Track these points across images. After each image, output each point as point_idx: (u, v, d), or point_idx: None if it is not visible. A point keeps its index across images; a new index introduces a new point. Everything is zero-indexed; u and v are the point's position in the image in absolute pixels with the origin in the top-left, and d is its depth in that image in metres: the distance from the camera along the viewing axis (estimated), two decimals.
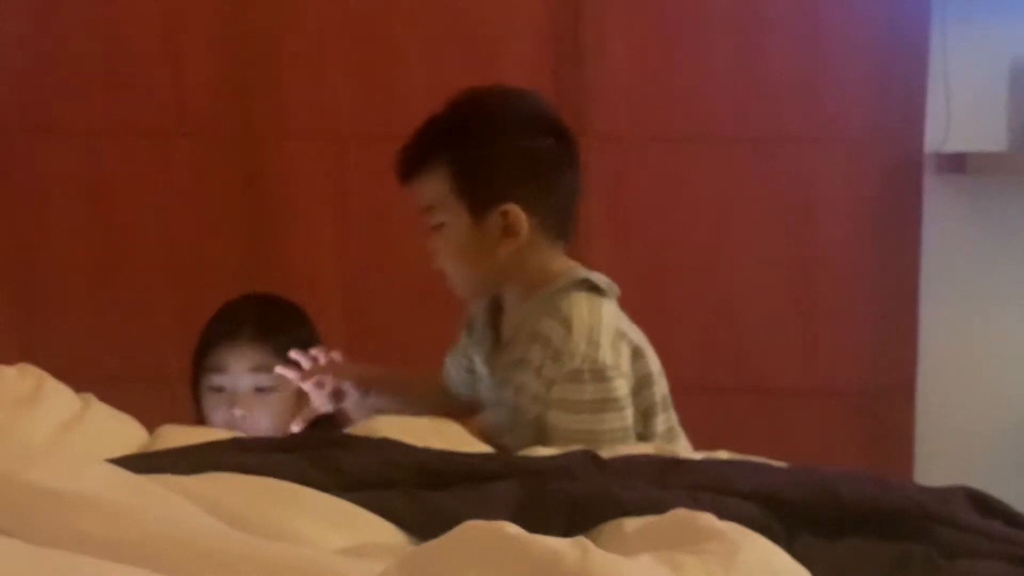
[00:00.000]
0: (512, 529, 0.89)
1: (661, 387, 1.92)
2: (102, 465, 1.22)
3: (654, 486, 1.35)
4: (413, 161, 1.91)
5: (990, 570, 1.25)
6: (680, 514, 1.08)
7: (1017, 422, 2.99)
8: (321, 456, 1.37)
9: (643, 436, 1.87)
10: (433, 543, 0.91)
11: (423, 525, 1.24)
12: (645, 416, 1.88)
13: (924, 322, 2.94)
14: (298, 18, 2.95)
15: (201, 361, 2.13)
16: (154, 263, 3.03)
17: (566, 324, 1.82)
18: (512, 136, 1.90)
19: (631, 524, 1.22)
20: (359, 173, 2.97)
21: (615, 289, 1.92)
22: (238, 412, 2.07)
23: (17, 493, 1.06)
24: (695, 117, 2.93)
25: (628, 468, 1.46)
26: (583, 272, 1.90)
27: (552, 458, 1.50)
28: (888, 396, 2.94)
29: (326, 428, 2.08)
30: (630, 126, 2.89)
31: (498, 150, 1.89)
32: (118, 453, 1.41)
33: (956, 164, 2.91)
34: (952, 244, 2.98)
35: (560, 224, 1.93)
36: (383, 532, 1.25)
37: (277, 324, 2.16)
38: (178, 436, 1.58)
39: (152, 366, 2.87)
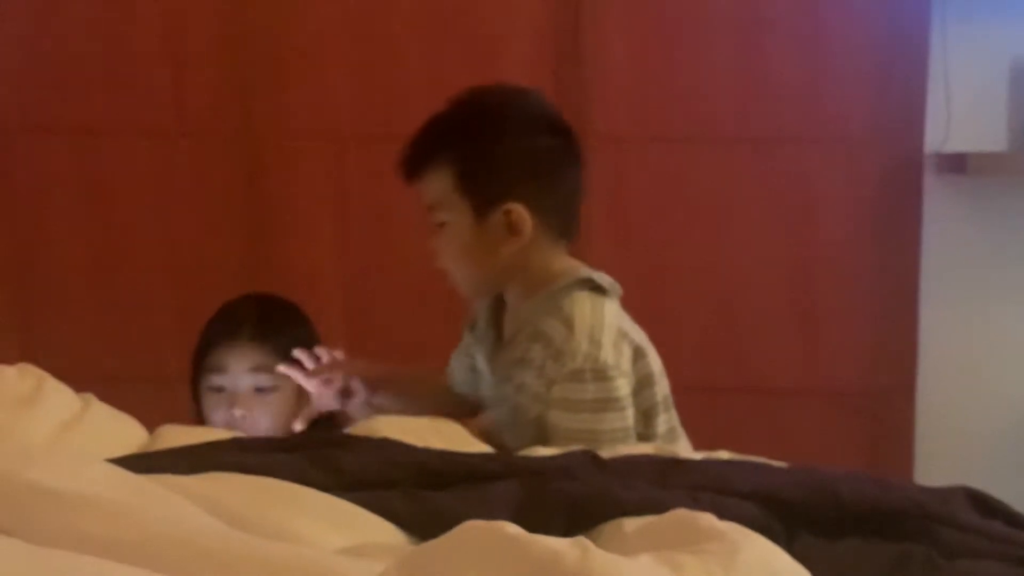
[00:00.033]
0: (512, 529, 0.88)
1: (663, 387, 1.92)
2: (102, 465, 1.22)
3: (654, 486, 1.35)
4: (416, 160, 1.91)
5: (990, 570, 1.25)
6: (680, 514, 1.08)
7: (1017, 422, 2.99)
8: (321, 456, 1.37)
9: (644, 436, 1.86)
10: (433, 543, 0.91)
11: (423, 525, 1.24)
12: (646, 416, 1.88)
13: (924, 322, 2.94)
14: (298, 18, 2.95)
15: (201, 361, 2.13)
16: (154, 263, 3.03)
17: (568, 323, 1.82)
18: (516, 135, 1.90)
19: (631, 524, 1.22)
20: (359, 173, 2.97)
21: (617, 289, 1.92)
22: (238, 412, 2.07)
23: (17, 493, 1.06)
24: (695, 117, 2.93)
25: (628, 468, 1.46)
26: (586, 271, 1.90)
27: (552, 458, 1.50)
28: (888, 396, 2.94)
29: (326, 428, 2.08)
30: (630, 126, 2.89)
31: (502, 149, 1.89)
32: (118, 453, 1.41)
33: (956, 164, 2.91)
34: (952, 244, 2.98)
35: (563, 223, 1.93)
36: (383, 532, 1.25)
37: (277, 324, 2.16)
38: (178, 436, 1.58)
39: (152, 366, 2.88)
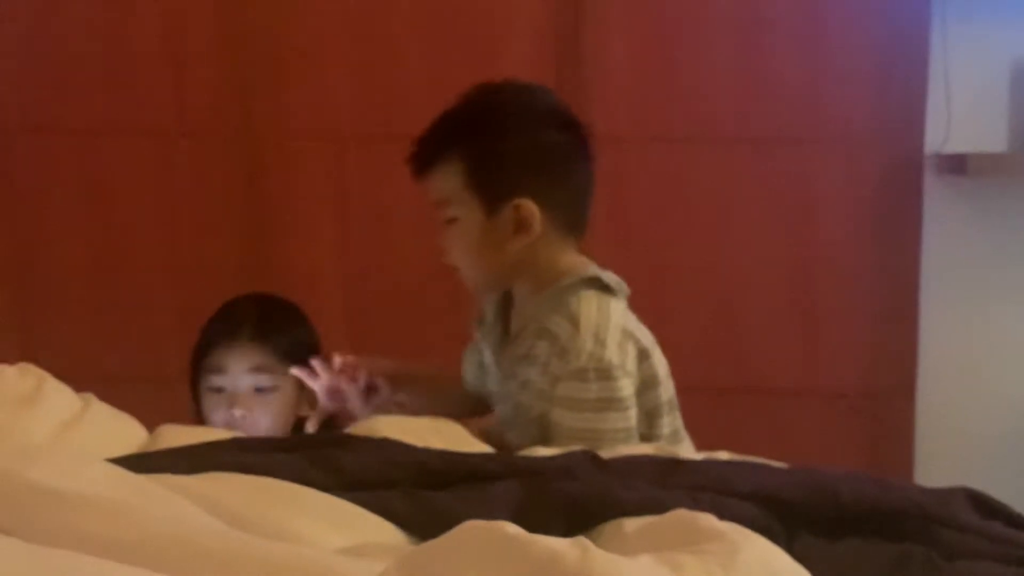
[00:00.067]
0: (512, 529, 0.88)
1: (668, 389, 1.92)
2: (102, 465, 1.22)
3: (654, 486, 1.35)
4: (426, 156, 1.91)
5: (990, 571, 1.25)
6: (680, 514, 1.08)
7: (1017, 423, 2.99)
8: (321, 456, 1.37)
9: (647, 437, 1.86)
10: (433, 543, 0.91)
11: (423, 525, 1.24)
12: (650, 417, 1.88)
13: (924, 323, 2.94)
14: (298, 18, 2.95)
15: (200, 361, 2.13)
16: (154, 263, 3.03)
17: (574, 322, 1.82)
18: (526, 131, 1.90)
19: (631, 524, 1.22)
20: (359, 173, 2.97)
21: (625, 289, 1.92)
22: (238, 412, 2.06)
23: (18, 492, 1.06)
24: (695, 117, 2.93)
25: (628, 468, 1.46)
26: (594, 270, 1.90)
27: (552, 458, 1.50)
28: (888, 397, 2.94)
29: (326, 428, 2.08)
30: (630, 126, 2.89)
31: (511, 145, 1.89)
32: (118, 453, 1.41)
33: (956, 165, 2.91)
34: (952, 245, 2.98)
35: (572, 219, 1.93)
36: (383, 532, 1.25)
37: (277, 324, 2.15)
38: (178, 436, 1.58)
39: (152, 366, 2.87)
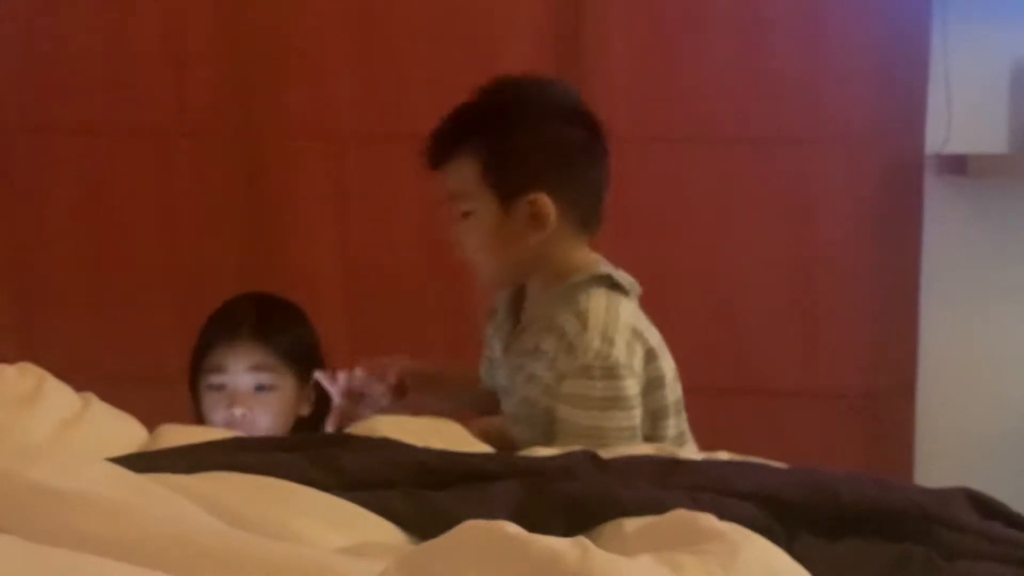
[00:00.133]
0: (512, 529, 0.88)
1: (674, 391, 1.92)
2: (102, 464, 1.22)
3: (654, 486, 1.35)
4: (442, 149, 1.90)
5: (990, 571, 1.25)
6: (680, 514, 1.08)
7: (1017, 423, 2.99)
8: (321, 456, 1.37)
9: (651, 438, 1.86)
10: (433, 542, 0.91)
11: (423, 525, 1.24)
12: (654, 418, 1.88)
13: (924, 323, 2.94)
14: (298, 18, 2.95)
15: (200, 361, 2.13)
16: (154, 263, 3.03)
17: (582, 319, 1.82)
18: (543, 125, 1.90)
19: (631, 524, 1.22)
20: (359, 173, 2.97)
21: (637, 288, 1.93)
22: (238, 411, 2.06)
23: (18, 492, 1.06)
24: (695, 117, 2.93)
25: (628, 468, 1.46)
26: (606, 268, 1.91)
27: (552, 458, 1.50)
28: (888, 397, 2.93)
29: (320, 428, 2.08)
30: (630, 126, 2.88)
31: (529, 139, 1.88)
32: (118, 452, 1.41)
33: (957, 165, 2.91)
34: (952, 245, 2.98)
35: (587, 215, 1.93)
36: (383, 532, 1.25)
37: (276, 323, 2.16)
38: (178, 435, 1.58)
39: (152, 366, 2.87)
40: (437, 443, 1.54)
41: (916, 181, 2.91)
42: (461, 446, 1.60)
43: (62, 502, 1.04)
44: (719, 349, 2.94)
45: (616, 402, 1.80)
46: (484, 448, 1.65)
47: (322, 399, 2.17)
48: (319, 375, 2.06)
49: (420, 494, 1.31)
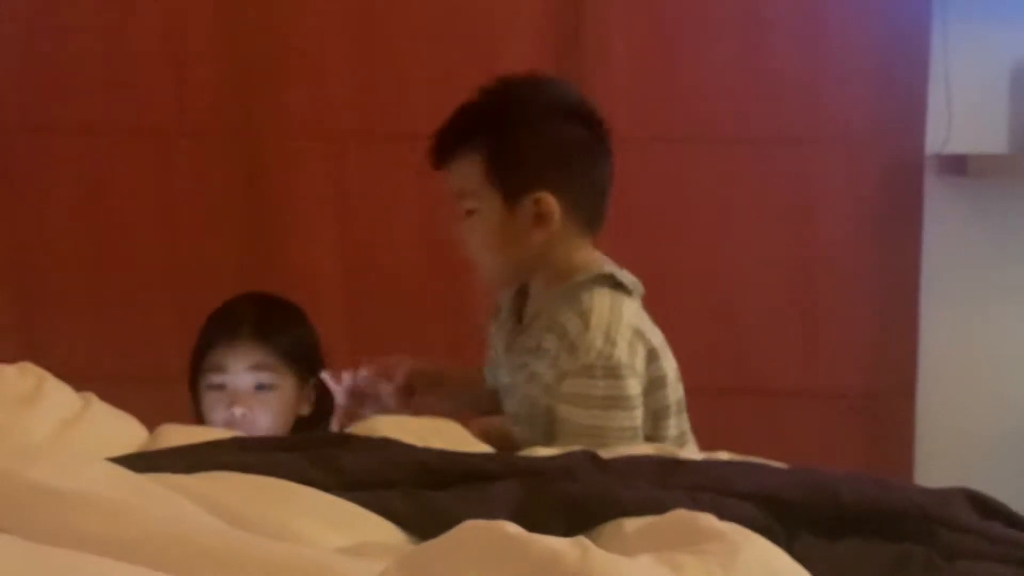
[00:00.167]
0: (512, 529, 0.88)
1: (676, 391, 1.92)
2: (102, 464, 1.22)
3: (654, 486, 1.35)
4: (447, 147, 1.90)
5: (990, 571, 1.25)
6: (680, 514, 1.08)
7: (1017, 424, 2.99)
8: (321, 455, 1.37)
9: (653, 439, 1.86)
10: (433, 542, 0.91)
11: (423, 525, 1.24)
12: (656, 418, 1.88)
13: (924, 323, 2.94)
14: (298, 18, 2.95)
15: (200, 360, 2.13)
16: (154, 263, 3.03)
17: (584, 318, 1.82)
18: (548, 124, 1.90)
19: (631, 524, 1.22)
20: (359, 173, 2.96)
21: (640, 288, 1.93)
22: (238, 411, 2.06)
23: (18, 492, 1.06)
24: (695, 117, 2.93)
25: (628, 468, 1.46)
26: (610, 267, 1.91)
27: (552, 458, 1.50)
28: (888, 397, 2.93)
29: (326, 428, 2.08)
30: (630, 126, 2.87)
31: (533, 138, 1.89)
32: (118, 452, 1.41)
33: (957, 166, 2.91)
34: (952, 246, 2.98)
35: (591, 215, 1.93)
36: (383, 531, 1.25)
37: (276, 323, 2.16)
38: (178, 435, 1.58)
39: (152, 366, 2.87)
40: (437, 443, 1.54)
41: (916, 181, 2.91)
42: (461, 446, 1.60)
43: (62, 502, 1.04)
44: (719, 349, 2.94)
45: (617, 402, 1.80)
46: (484, 448, 1.65)
47: (322, 399, 2.18)
48: (324, 375, 2.06)
49: (420, 494, 1.31)
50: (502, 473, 1.38)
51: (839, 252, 2.93)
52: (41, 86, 3.01)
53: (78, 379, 1.65)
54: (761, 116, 2.91)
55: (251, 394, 2.09)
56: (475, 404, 2.08)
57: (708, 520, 1.03)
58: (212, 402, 2.10)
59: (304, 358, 2.15)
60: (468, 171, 1.89)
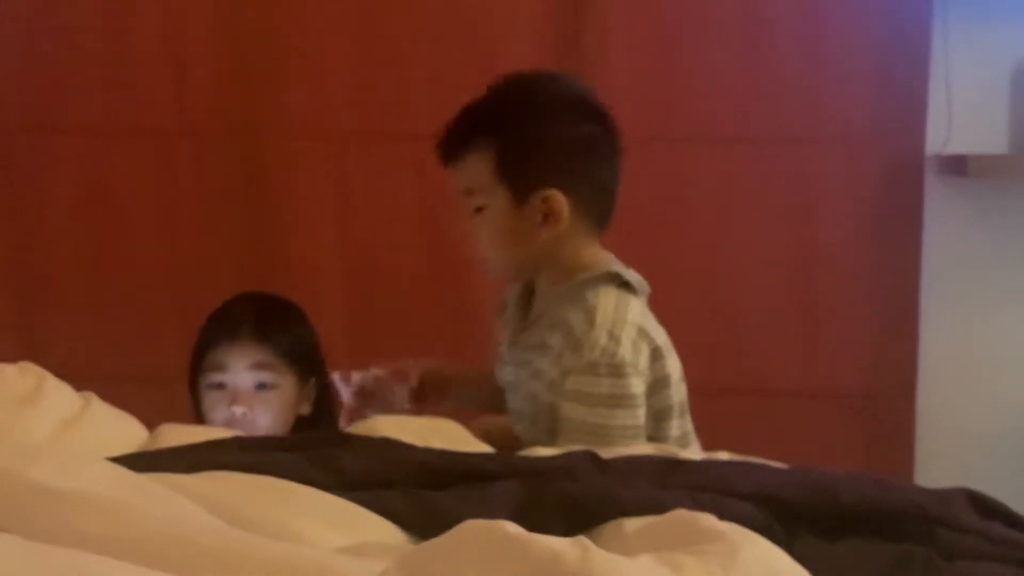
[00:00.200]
0: (512, 528, 0.88)
1: (679, 392, 1.91)
2: (102, 464, 1.22)
3: (654, 486, 1.35)
4: (456, 143, 1.90)
5: (990, 571, 1.25)
6: (680, 514, 1.08)
7: (1017, 424, 2.99)
8: (321, 455, 1.37)
9: (655, 439, 1.86)
10: (433, 542, 0.91)
11: (423, 524, 1.24)
12: (658, 419, 1.88)
13: (924, 324, 2.94)
14: (298, 18, 2.95)
15: (201, 360, 2.13)
16: (154, 263, 3.03)
17: (589, 316, 1.82)
18: (557, 121, 1.90)
19: (631, 524, 1.22)
20: (360, 172, 2.96)
21: (646, 288, 1.93)
22: (238, 410, 2.06)
23: (18, 491, 1.06)
24: (695, 117, 2.93)
25: (628, 468, 1.46)
26: (616, 266, 1.91)
27: (552, 458, 1.50)
28: (888, 398, 2.93)
29: (326, 428, 2.08)
30: (630, 126, 2.86)
31: (543, 135, 1.89)
32: (119, 451, 1.41)
33: (957, 166, 2.91)
34: (953, 246, 2.97)
35: (599, 212, 1.93)
36: (383, 531, 1.25)
37: (276, 323, 2.16)
38: (178, 435, 1.58)
39: (152, 366, 2.87)
40: (437, 443, 1.54)
41: (916, 181, 2.91)
42: (461, 446, 1.60)
43: (62, 502, 1.04)
44: (719, 349, 2.94)
45: (621, 400, 1.80)
46: (484, 448, 1.65)
47: (322, 399, 2.18)
48: (334, 375, 2.05)
49: (420, 494, 1.31)
50: (502, 473, 1.38)
51: (839, 252, 2.93)
52: (41, 86, 3.01)
53: (78, 379, 1.65)
54: (761, 116, 2.91)
55: (251, 393, 2.09)
56: (489, 404, 2.07)
57: (708, 520, 1.03)
58: (212, 401, 2.10)
59: (304, 358, 2.15)
60: (477, 168, 1.89)
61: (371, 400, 2.04)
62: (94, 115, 3.01)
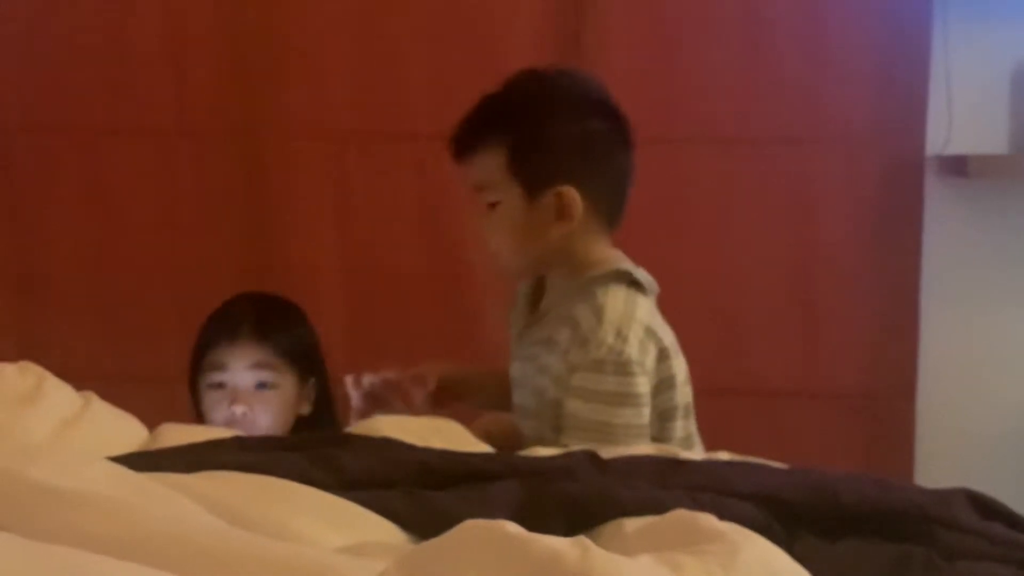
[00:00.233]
0: (512, 528, 0.88)
1: (684, 394, 1.91)
2: (103, 463, 1.22)
3: (654, 486, 1.35)
4: (469, 139, 1.90)
5: (990, 572, 1.25)
6: (680, 514, 1.08)
7: (1017, 424, 2.99)
8: (321, 455, 1.37)
9: (658, 439, 1.86)
10: (433, 542, 0.91)
11: (423, 524, 1.24)
12: (662, 419, 1.88)
13: (925, 324, 2.94)
14: (298, 18, 2.95)
15: (200, 360, 2.13)
16: (154, 263, 3.03)
17: (598, 313, 1.82)
18: (571, 117, 1.90)
19: (631, 524, 1.22)
20: (360, 172, 2.96)
21: (655, 288, 1.93)
22: (239, 409, 2.07)
23: (18, 491, 1.06)
24: (695, 117, 2.93)
25: (628, 468, 1.45)
26: (627, 265, 1.91)
27: (552, 458, 1.50)
28: (888, 398, 2.93)
29: (327, 428, 2.08)
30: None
31: (556, 131, 1.89)
32: (119, 451, 1.41)
33: (957, 166, 2.91)
34: (953, 247, 2.97)
35: (611, 208, 1.93)
36: (383, 531, 1.25)
37: (276, 322, 2.16)
38: (178, 435, 1.58)
39: (152, 366, 2.87)
40: (437, 443, 1.54)
41: (916, 182, 2.91)
42: (461, 446, 1.60)
43: (62, 501, 1.04)
44: (719, 349, 2.94)
45: (626, 398, 1.80)
46: (484, 448, 1.65)
47: (322, 399, 2.18)
48: (346, 378, 2.05)
49: (420, 494, 1.31)
50: (502, 473, 1.38)
51: (839, 252, 2.93)
52: (41, 86, 3.01)
53: (78, 379, 1.65)
54: (761, 116, 2.91)
55: (251, 393, 2.09)
56: (506, 405, 2.07)
57: (708, 520, 1.03)
58: (212, 401, 2.10)
59: (304, 357, 2.16)
60: (491, 163, 1.88)
61: (380, 404, 2.04)
62: (94, 115, 3.01)
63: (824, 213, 2.93)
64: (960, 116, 2.90)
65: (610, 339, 1.80)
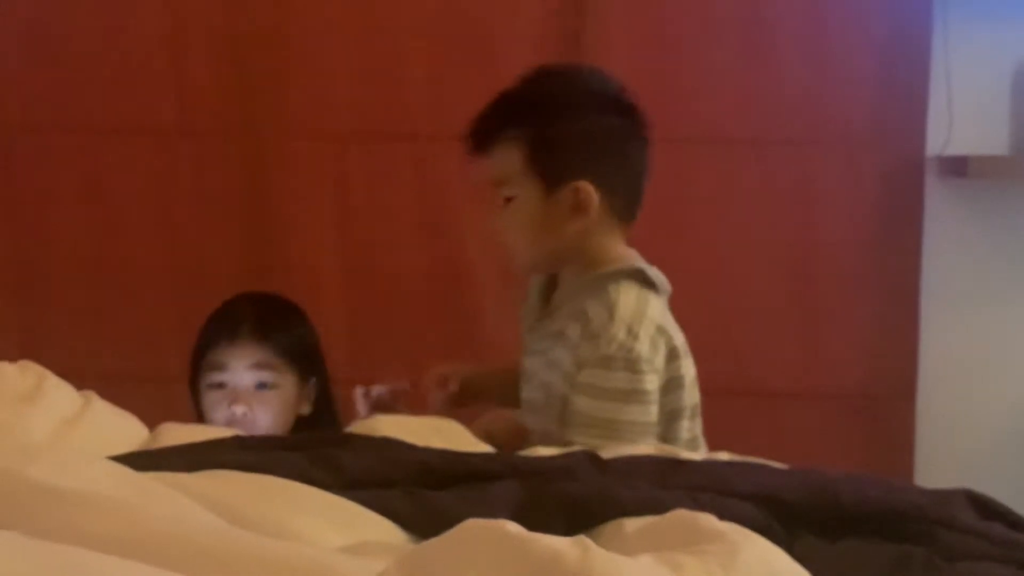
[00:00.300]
0: (512, 528, 0.88)
1: (692, 395, 1.92)
2: (103, 462, 1.22)
3: (654, 486, 1.35)
4: (486, 134, 1.90)
5: (990, 572, 1.25)
6: (680, 514, 1.08)
7: (1017, 424, 2.99)
8: (322, 455, 1.37)
9: (666, 439, 1.86)
10: (433, 542, 0.91)
11: (423, 524, 1.24)
12: (669, 419, 1.88)
13: (925, 325, 2.94)
14: (298, 18, 2.95)
15: (201, 360, 2.13)
16: (154, 263, 3.03)
17: (609, 309, 1.82)
18: (588, 113, 1.91)
19: (631, 524, 1.22)
20: (360, 173, 2.96)
21: (667, 287, 1.93)
22: (239, 409, 2.07)
23: (18, 490, 1.06)
24: (696, 118, 2.92)
25: (628, 468, 1.46)
26: (640, 263, 1.91)
27: (552, 458, 1.50)
28: (888, 399, 2.93)
29: (327, 428, 2.08)
30: None
31: (573, 126, 1.89)
32: (119, 450, 1.41)
33: (957, 167, 2.90)
34: (953, 247, 2.97)
35: (627, 204, 1.94)
36: (383, 531, 1.25)
37: (277, 322, 2.16)
38: (179, 434, 1.58)
39: (152, 366, 2.87)
40: (437, 443, 1.54)
41: (917, 182, 2.91)
42: (461, 446, 1.60)
43: (63, 501, 1.04)
44: (718, 349, 2.94)
45: (634, 395, 1.80)
46: (485, 448, 1.65)
47: (322, 399, 2.18)
48: (357, 389, 2.05)
49: (420, 494, 1.31)
50: (502, 473, 1.38)
51: (839, 253, 2.93)
52: (41, 86, 3.01)
53: (78, 378, 1.65)
54: (762, 117, 2.91)
55: (252, 392, 2.09)
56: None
57: (708, 520, 1.03)
58: (213, 401, 2.10)
59: (304, 357, 2.16)
60: (508, 158, 1.89)
61: (388, 413, 2.04)
62: (94, 114, 3.01)
63: (824, 213, 2.93)
64: (960, 117, 2.90)
65: (621, 335, 1.80)
